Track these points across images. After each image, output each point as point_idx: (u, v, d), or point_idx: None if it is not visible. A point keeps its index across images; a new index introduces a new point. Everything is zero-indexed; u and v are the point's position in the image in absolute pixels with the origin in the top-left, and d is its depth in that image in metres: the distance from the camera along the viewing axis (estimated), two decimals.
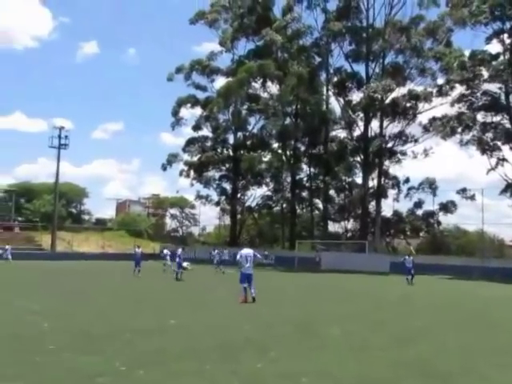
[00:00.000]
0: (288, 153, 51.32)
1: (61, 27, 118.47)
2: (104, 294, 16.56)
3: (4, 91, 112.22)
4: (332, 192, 51.13)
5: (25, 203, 62.67)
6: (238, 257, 14.42)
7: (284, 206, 53.07)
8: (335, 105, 49.98)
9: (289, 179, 51.39)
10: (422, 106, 45.19)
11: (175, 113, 53.20)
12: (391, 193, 48.41)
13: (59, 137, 50.59)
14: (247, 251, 14.58)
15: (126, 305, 13.71)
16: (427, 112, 44.93)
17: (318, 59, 48.71)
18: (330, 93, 48.84)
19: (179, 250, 25.01)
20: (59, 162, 51.35)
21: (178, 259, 24.16)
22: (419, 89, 45.05)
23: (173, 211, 76.41)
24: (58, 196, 53.15)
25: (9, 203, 61.21)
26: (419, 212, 47.44)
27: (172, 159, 53.67)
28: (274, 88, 50.33)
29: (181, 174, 54.43)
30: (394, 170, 47.77)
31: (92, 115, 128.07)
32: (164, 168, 53.77)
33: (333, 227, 52.27)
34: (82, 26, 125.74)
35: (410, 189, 47.42)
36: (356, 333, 9.60)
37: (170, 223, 78.25)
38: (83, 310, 12.09)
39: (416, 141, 46.16)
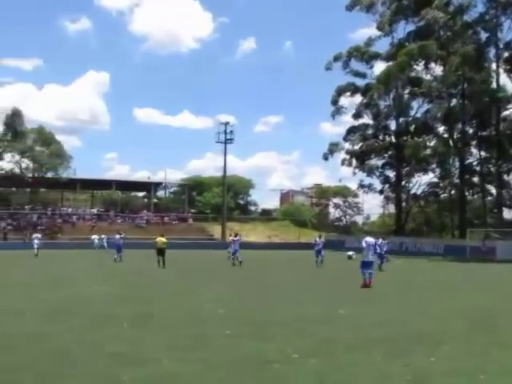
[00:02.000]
0: (455, 137, 55.73)
1: (220, 27, 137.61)
2: (273, 283, 19.03)
3: (173, 93, 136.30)
4: (506, 176, 54.55)
5: (196, 196, 77.18)
6: (364, 244, 17.52)
7: (452, 192, 58.01)
8: (507, 82, 52.69)
9: (457, 164, 56.12)
10: None
11: (335, 102, 60.77)
12: None
13: (225, 132, 62.85)
14: (371, 240, 17.79)
15: (294, 293, 15.54)
16: None
17: (484, 35, 52.18)
18: (501, 70, 51.93)
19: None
20: (226, 155, 64.38)
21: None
22: None
23: (336, 200, 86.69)
24: (226, 188, 65.16)
25: (182, 196, 77.01)
26: None
27: (333, 148, 61.32)
28: (437, 69, 55.31)
29: (342, 163, 62.04)
30: None
31: (253, 110, 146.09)
32: (325, 158, 61.80)
33: (508, 214, 56.33)
34: (240, 24, 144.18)
35: None
36: None
37: (333, 212, 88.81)
38: (254, 298, 14.05)
39: None
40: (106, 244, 44.76)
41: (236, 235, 30.38)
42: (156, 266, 26.13)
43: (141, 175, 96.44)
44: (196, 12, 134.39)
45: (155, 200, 76.28)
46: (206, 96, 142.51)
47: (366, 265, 17.45)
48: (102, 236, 45.19)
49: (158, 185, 77.43)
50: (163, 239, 27.91)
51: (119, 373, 6.51)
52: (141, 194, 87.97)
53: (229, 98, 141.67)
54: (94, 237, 48.53)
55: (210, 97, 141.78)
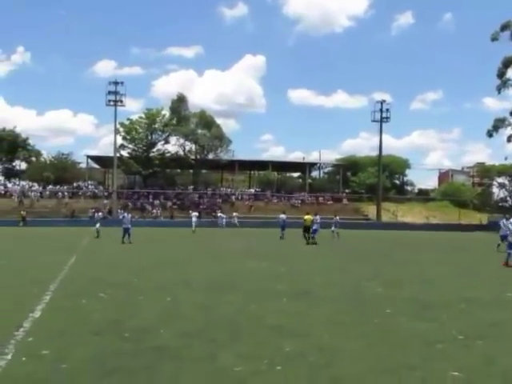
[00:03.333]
0: None
1: (376, 3, 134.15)
2: (430, 263, 18.80)
3: (327, 73, 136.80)
4: None
5: (351, 176, 76.35)
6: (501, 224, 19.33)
7: None
8: None
9: None
10: None
11: (501, 74, 56.27)
12: None
13: (381, 111, 61.51)
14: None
15: (455, 275, 15.22)
16: None
17: None
18: None
19: None
20: (381, 135, 62.88)
21: None
22: None
23: (501, 180, 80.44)
24: (382, 168, 64.04)
25: (337, 176, 76.87)
26: None
27: (498, 124, 57.06)
28: None
29: (509, 139, 57.60)
30: None
31: (410, 86, 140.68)
32: (490, 134, 57.76)
33: None
34: None
35: None
36: None
37: (497, 192, 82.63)
38: (412, 278, 13.86)
39: None
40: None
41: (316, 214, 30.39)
42: (305, 244, 26.95)
43: (295, 156, 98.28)
44: None
45: (310, 180, 77.02)
46: (360, 75, 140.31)
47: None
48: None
49: (312, 165, 78.11)
50: (311, 217, 28.87)
51: (281, 343, 6.69)
52: (296, 174, 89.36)
53: (384, 76, 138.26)
54: (220, 215, 50.35)
55: (364, 75, 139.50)
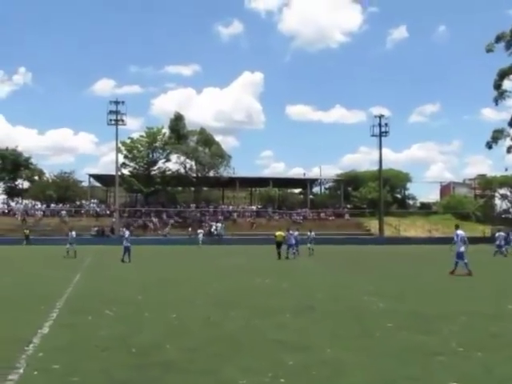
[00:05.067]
0: None
1: (369, 18, 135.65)
2: (433, 277, 18.71)
3: (325, 88, 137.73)
4: None
5: (352, 191, 76.37)
6: (455, 238, 19.22)
7: None
8: None
9: None
10: None
11: (497, 86, 56.72)
12: None
13: (379, 125, 61.88)
14: (461, 232, 19.42)
15: (456, 288, 15.27)
16: None
17: None
18: None
19: None
20: (381, 149, 63.18)
21: None
22: None
23: (503, 191, 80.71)
24: (383, 182, 64.22)
25: (338, 192, 77.05)
26: None
27: (497, 135, 57.22)
28: None
29: (509, 150, 57.80)
30: None
31: (407, 100, 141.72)
32: (489, 146, 57.96)
33: None
34: (390, 12, 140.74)
35: None
36: None
37: (500, 204, 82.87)
38: (414, 292, 13.98)
39: None
40: None
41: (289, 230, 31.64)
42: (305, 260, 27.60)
43: (296, 172, 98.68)
44: (344, 5, 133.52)
45: (311, 196, 77.24)
46: (357, 89, 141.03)
47: (459, 254, 19.06)
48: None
49: (313, 181, 78.39)
50: (282, 233, 30.44)
51: (284, 357, 6.85)
52: (297, 190, 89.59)
53: (381, 90, 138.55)
54: (200, 231, 50.49)
55: (361, 90, 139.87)
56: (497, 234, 34.87)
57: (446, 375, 6.06)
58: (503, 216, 77.04)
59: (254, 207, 72.56)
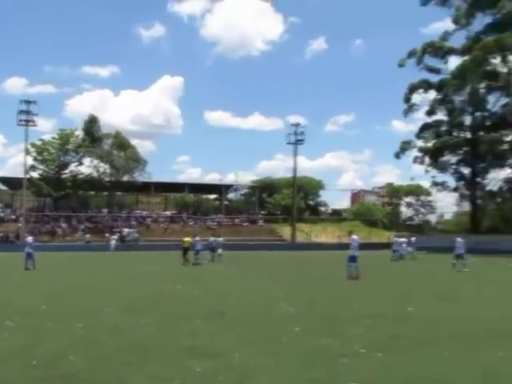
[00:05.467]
0: None
1: (290, 28, 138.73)
2: (340, 282, 18.95)
3: (244, 95, 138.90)
4: None
5: (267, 197, 77.52)
6: (352, 243, 20.11)
7: None
8: None
9: None
10: None
11: (407, 99, 59.98)
12: None
13: (295, 133, 63.25)
14: (356, 237, 20.50)
15: (362, 292, 15.71)
16: None
17: None
18: None
19: None
20: (296, 156, 64.50)
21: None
22: None
23: (408, 199, 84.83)
24: (297, 189, 65.46)
25: (253, 198, 77.89)
26: None
27: (405, 146, 60.60)
28: None
29: (415, 160, 61.15)
30: None
31: (323, 109, 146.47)
32: (397, 156, 61.16)
33: None
34: (311, 24, 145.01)
35: None
36: None
37: (405, 212, 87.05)
38: (322, 297, 14.35)
39: None
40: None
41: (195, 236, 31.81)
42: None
43: (212, 178, 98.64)
44: (267, 14, 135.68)
45: (226, 202, 77.46)
46: (276, 97, 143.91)
47: (351, 258, 20.03)
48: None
49: (228, 187, 78.67)
50: (189, 239, 30.59)
51: (193, 364, 6.85)
52: (212, 196, 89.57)
53: (299, 99, 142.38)
54: (113, 237, 49.62)
55: (280, 98, 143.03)
56: (394, 240, 36.87)
57: (348, 376, 6.28)
58: (407, 223, 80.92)
59: (168, 213, 71.71)
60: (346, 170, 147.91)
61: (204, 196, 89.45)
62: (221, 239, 34.88)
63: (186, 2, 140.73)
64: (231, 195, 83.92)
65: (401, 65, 60.30)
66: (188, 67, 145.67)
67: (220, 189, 76.36)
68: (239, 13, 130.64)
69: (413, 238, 39.35)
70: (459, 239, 25.89)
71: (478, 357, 7.32)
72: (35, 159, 63.65)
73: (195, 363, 6.88)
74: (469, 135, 59.26)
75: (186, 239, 30.64)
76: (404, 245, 36.74)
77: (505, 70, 54.69)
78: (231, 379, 6.22)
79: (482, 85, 56.72)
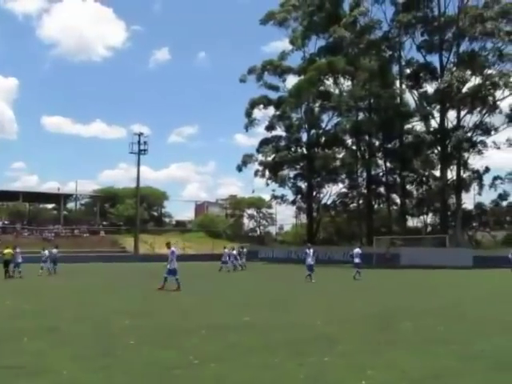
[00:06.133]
0: (362, 148, 58.71)
1: (134, 36, 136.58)
2: (184, 293, 18.88)
3: (85, 101, 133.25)
4: (409, 186, 57.92)
5: (109, 208, 75.29)
6: (170, 255, 20.28)
7: (360, 202, 60.74)
8: (409, 98, 55.90)
9: (364, 175, 58.97)
10: (501, 93, 51.00)
11: (248, 114, 62.10)
12: (472, 185, 54.92)
13: (138, 143, 61.95)
14: (175, 249, 20.98)
15: (203, 302, 16.08)
16: (508, 99, 49.96)
17: (389, 52, 54.78)
18: (404, 86, 55.06)
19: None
20: (139, 167, 63.43)
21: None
22: (497, 76, 50.70)
23: (250, 211, 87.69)
24: (140, 200, 64.00)
25: (94, 208, 75.14)
26: (504, 203, 53.91)
27: (247, 160, 62.55)
28: (345, 84, 58.57)
29: (256, 174, 63.15)
30: (474, 160, 52.56)
31: (167, 120, 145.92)
32: (239, 169, 62.88)
33: (412, 222, 59.71)
34: (154, 33, 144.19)
35: (495, 178, 52.90)
36: (431, 327, 10.87)
37: (247, 223, 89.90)
38: (163, 309, 14.40)
39: (496, 130, 51.99)
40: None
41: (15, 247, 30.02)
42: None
43: (50, 186, 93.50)
44: (108, 19, 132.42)
45: (65, 212, 73.90)
46: (119, 105, 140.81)
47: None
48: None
49: (68, 196, 75.27)
50: (10, 251, 29.10)
51: (18, 383, 6.49)
52: (50, 205, 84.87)
53: (143, 108, 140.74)
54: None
55: (123, 106, 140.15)
56: (224, 251, 37.39)
57: None
58: (250, 234, 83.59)
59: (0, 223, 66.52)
60: (191, 181, 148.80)
61: (41, 205, 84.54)
62: (55, 250, 32.61)
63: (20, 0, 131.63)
64: (71, 205, 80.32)
65: (242, 80, 62.38)
66: (23, 69, 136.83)
67: (59, 198, 72.57)
68: (78, 16, 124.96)
69: (244, 250, 40.18)
70: (309, 250, 26.28)
71: (304, 361, 7.64)
72: None
73: (19, 382, 6.54)
74: (305, 151, 62.65)
75: (7, 251, 29.03)
76: (233, 256, 37.57)
77: (336, 91, 59.06)
78: None
79: (317, 104, 60.66)
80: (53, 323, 11.56)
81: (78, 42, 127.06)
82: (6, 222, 66.41)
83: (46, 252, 31.82)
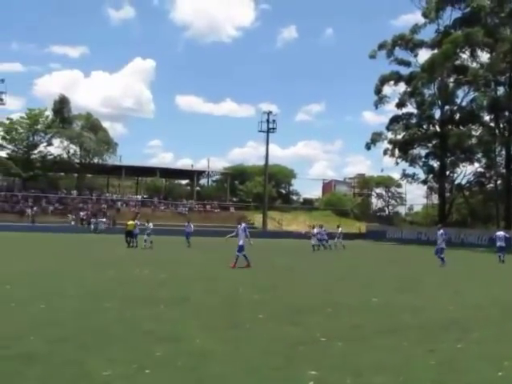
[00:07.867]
0: (501, 125, 54.85)
1: (262, 15, 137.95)
2: (310, 271, 19.37)
3: (216, 81, 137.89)
4: None
5: (238, 185, 77.42)
6: (243, 232, 19.38)
7: (498, 182, 57.05)
8: None
9: (503, 154, 55.00)
10: None
11: (378, 91, 60.42)
12: None
13: (267, 121, 63.26)
14: (244, 225, 20.01)
15: (330, 281, 16.06)
16: None
17: None
18: None
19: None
20: (268, 145, 64.63)
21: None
22: None
23: (378, 190, 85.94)
24: (268, 177, 65.42)
25: (224, 185, 77.77)
26: None
27: (376, 138, 60.98)
28: (484, 57, 54.67)
29: (385, 152, 61.35)
30: None
31: (295, 98, 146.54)
32: (368, 147, 61.57)
33: None
34: (281, 11, 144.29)
35: None
36: None
37: (375, 203, 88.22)
38: (288, 285, 14.41)
39: None
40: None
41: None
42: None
43: (184, 163, 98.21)
44: (237, 0, 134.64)
45: (198, 188, 77.22)
46: (248, 85, 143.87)
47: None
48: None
49: (200, 173, 78.44)
50: (133, 222, 31.52)
51: (153, 348, 6.86)
52: (184, 181, 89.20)
53: (271, 87, 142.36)
54: (101, 220, 51.27)
55: (252, 85, 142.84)
56: (316, 231, 35.63)
57: (306, 364, 6.35)
58: (378, 214, 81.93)
59: (139, 197, 71.19)
60: (318, 160, 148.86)
61: (175, 181, 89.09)
62: (150, 225, 31.79)
63: None
64: (203, 181, 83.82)
65: (372, 56, 60.51)
66: (159, 51, 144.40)
67: (192, 174, 76.01)
68: None
69: (340, 229, 38.93)
70: (441, 231, 24.29)
71: (435, 347, 7.38)
72: (3, 138, 62.50)
73: (155, 347, 6.88)
74: (438, 128, 59.89)
75: (130, 222, 31.27)
76: (325, 235, 36.75)
77: (474, 64, 55.43)
78: (190, 364, 6.23)
79: (451, 79, 57.41)
80: (185, 293, 12.16)
81: (208, 23, 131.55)
82: (145, 196, 70.90)
83: (151, 225, 31.84)
